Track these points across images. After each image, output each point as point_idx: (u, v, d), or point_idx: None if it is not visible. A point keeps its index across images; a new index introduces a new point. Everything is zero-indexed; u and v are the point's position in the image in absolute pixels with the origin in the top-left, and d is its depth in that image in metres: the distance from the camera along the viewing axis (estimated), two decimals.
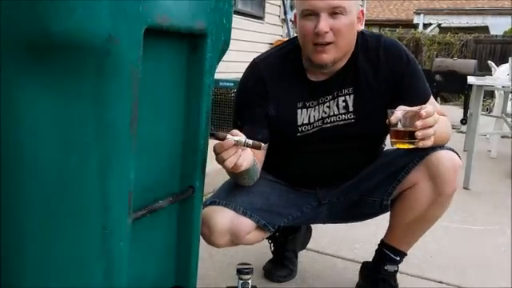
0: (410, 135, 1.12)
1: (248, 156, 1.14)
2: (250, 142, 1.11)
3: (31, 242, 0.82)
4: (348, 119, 1.35)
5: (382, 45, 1.33)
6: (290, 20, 5.38)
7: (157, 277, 1.09)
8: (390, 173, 1.36)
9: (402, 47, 1.36)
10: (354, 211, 1.47)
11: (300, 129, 1.37)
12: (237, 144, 1.10)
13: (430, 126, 1.11)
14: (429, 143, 1.13)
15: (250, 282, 1.18)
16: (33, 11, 0.70)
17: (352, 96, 1.34)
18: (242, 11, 4.99)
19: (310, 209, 1.49)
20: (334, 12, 1.19)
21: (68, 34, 0.72)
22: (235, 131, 1.13)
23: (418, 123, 1.10)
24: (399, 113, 1.13)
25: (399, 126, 1.13)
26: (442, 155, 1.29)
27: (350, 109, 1.34)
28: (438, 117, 1.13)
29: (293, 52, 1.36)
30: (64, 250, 0.83)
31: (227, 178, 1.41)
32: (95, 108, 0.77)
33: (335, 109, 1.35)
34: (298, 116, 1.36)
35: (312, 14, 1.20)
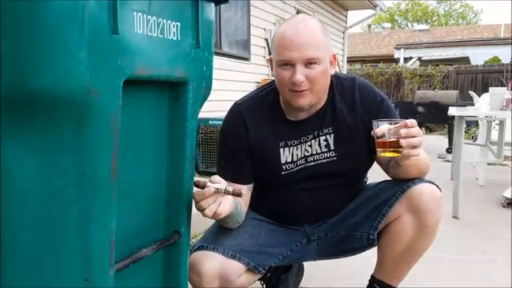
0: (395, 144, 1.16)
1: (228, 203, 1.15)
2: (231, 189, 1.12)
3: None
4: (330, 157, 1.38)
5: (357, 86, 1.39)
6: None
7: None
8: (374, 207, 1.38)
9: (375, 88, 1.44)
10: (343, 246, 1.47)
11: (284, 167, 1.39)
12: (217, 192, 1.11)
13: (415, 136, 1.15)
14: (414, 153, 1.17)
15: None
16: (12, 67, 0.73)
17: (332, 135, 1.38)
18: (230, 53, 5.13)
19: (300, 246, 1.49)
20: (309, 62, 1.25)
21: (47, 89, 0.74)
22: (216, 178, 1.15)
23: (403, 131, 1.15)
24: (384, 126, 1.18)
25: (384, 137, 1.18)
26: (423, 188, 1.32)
27: (332, 147, 1.38)
28: (421, 132, 1.19)
29: (271, 94, 1.41)
30: None
31: None
32: (75, 160, 0.78)
33: (317, 147, 1.38)
34: (281, 155, 1.38)
35: (288, 64, 1.26)
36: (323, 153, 1.38)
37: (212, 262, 1.28)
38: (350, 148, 1.37)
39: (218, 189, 1.10)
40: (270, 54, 5.85)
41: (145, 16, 0.88)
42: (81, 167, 0.79)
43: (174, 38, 0.97)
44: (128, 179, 0.95)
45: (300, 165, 1.39)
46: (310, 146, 1.38)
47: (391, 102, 1.44)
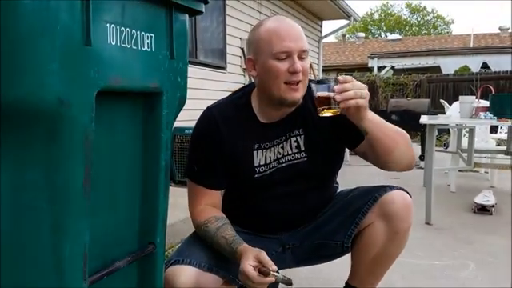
0: (333, 101, 1.21)
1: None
2: (286, 278, 1.20)
3: None
4: (301, 158, 1.41)
5: None
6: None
7: None
8: (348, 215, 1.40)
9: None
10: (318, 254, 1.49)
11: (257, 170, 1.40)
12: (275, 280, 1.19)
13: (350, 90, 1.20)
14: (351, 103, 1.20)
15: None
16: None
17: (302, 136, 1.41)
18: (206, 63, 5.14)
19: (275, 255, 1.49)
20: (302, 55, 1.29)
21: (19, 101, 0.74)
22: (268, 260, 1.20)
23: (336, 87, 1.20)
24: (325, 88, 1.23)
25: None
26: (394, 195, 1.35)
27: (302, 148, 1.40)
28: (362, 85, 1.23)
29: (243, 98, 1.42)
30: None
31: (192, 227, 1.41)
32: (47, 172, 0.78)
33: (288, 149, 1.41)
34: (255, 157, 1.39)
35: (287, 55, 1.27)
36: (294, 153, 1.40)
37: (187, 276, 1.26)
38: (320, 148, 1.39)
39: (277, 277, 1.18)
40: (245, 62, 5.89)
41: (118, 27, 0.88)
42: (53, 180, 0.78)
43: (148, 50, 0.97)
44: (102, 191, 0.94)
45: (273, 167, 1.40)
46: (282, 147, 1.40)
47: None
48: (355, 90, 1.20)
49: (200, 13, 1.13)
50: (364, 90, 1.22)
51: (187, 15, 1.11)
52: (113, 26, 0.87)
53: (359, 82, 1.23)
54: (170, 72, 1.07)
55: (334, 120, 1.33)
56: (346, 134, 1.37)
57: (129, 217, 1.08)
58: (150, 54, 0.98)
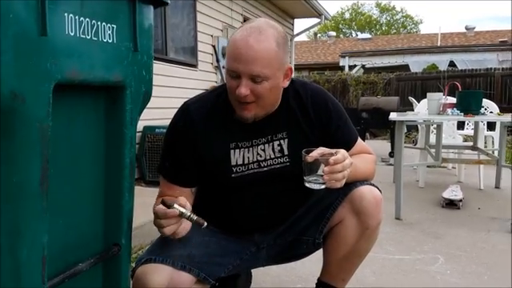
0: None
1: (188, 226, 1.16)
2: (195, 217, 1.13)
3: None
4: (284, 162, 1.38)
5: (309, 93, 1.40)
6: (223, 67, 5.53)
7: None
8: (319, 212, 1.40)
9: (327, 94, 1.45)
10: (291, 252, 1.48)
11: (234, 169, 1.36)
12: (180, 216, 1.11)
13: (339, 171, 1.19)
14: (337, 185, 1.21)
15: None
16: None
17: (286, 140, 1.38)
18: (176, 60, 5.06)
19: (249, 255, 1.47)
20: (255, 78, 1.22)
21: None
22: (183, 200, 1.14)
23: (326, 169, 1.19)
24: (315, 153, 1.20)
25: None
26: (364, 191, 1.35)
27: (286, 152, 1.38)
28: (349, 162, 1.21)
29: (222, 95, 1.38)
30: None
31: None
32: (1, 169, 0.73)
33: (271, 152, 1.38)
34: (232, 156, 1.36)
35: (236, 75, 1.23)
36: (277, 158, 1.37)
37: (161, 275, 1.23)
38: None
39: (182, 213, 1.11)
40: (217, 60, 5.85)
41: (77, 17, 0.84)
42: (8, 178, 0.74)
43: (110, 41, 0.93)
44: (62, 189, 0.90)
45: (252, 169, 1.37)
46: (263, 150, 1.37)
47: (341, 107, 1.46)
48: (344, 171, 1.19)
49: (165, 4, 1.09)
50: (349, 161, 1.21)
51: (152, 6, 1.07)
52: (71, 15, 0.83)
53: (347, 156, 1.22)
54: (134, 65, 1.03)
55: (317, 131, 1.36)
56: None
57: (92, 217, 1.03)
58: (111, 46, 0.94)
